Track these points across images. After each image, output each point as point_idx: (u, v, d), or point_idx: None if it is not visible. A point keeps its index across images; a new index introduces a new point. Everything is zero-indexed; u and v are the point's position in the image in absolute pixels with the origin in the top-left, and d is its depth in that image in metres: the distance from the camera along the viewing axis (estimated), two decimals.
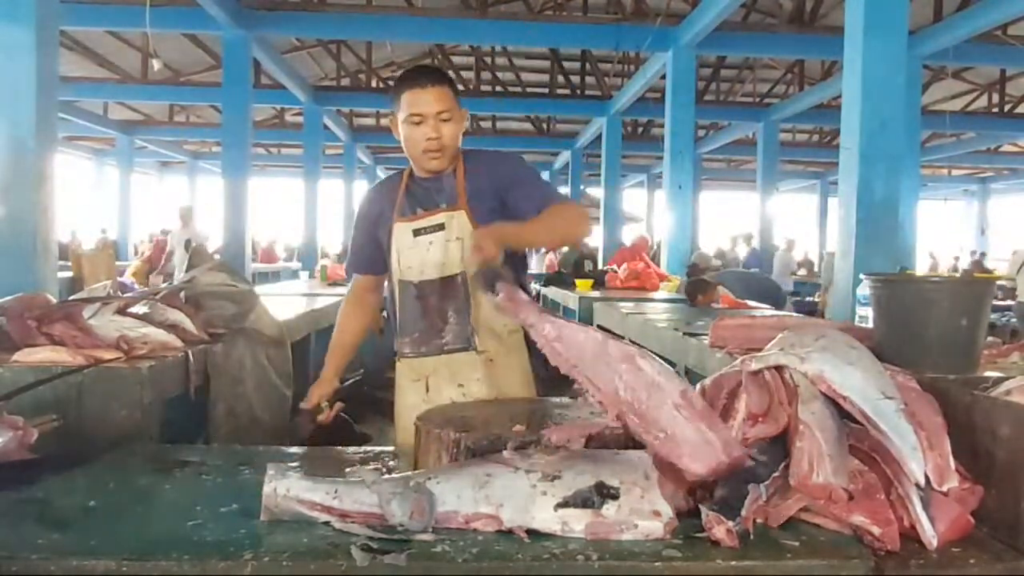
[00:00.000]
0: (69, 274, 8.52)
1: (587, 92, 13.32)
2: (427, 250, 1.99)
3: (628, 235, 13.84)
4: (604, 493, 1.11)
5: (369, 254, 2.13)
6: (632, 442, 1.32)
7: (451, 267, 1.98)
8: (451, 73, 12.91)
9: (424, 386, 1.96)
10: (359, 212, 2.17)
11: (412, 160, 2.02)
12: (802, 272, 15.52)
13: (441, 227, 1.99)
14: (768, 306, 4.87)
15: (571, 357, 1.38)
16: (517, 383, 2.00)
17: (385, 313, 2.29)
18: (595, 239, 12.52)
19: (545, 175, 19.64)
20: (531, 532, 1.10)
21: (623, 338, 4.09)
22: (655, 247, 10.62)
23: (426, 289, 1.99)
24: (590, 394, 1.33)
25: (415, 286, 2.01)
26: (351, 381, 4.88)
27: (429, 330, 1.97)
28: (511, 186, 1.99)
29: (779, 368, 1.32)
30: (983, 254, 18.16)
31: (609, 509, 1.10)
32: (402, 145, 2.00)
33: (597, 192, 15.85)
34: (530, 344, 1.95)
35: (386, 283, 2.15)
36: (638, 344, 3.61)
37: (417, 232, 2.00)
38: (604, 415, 1.34)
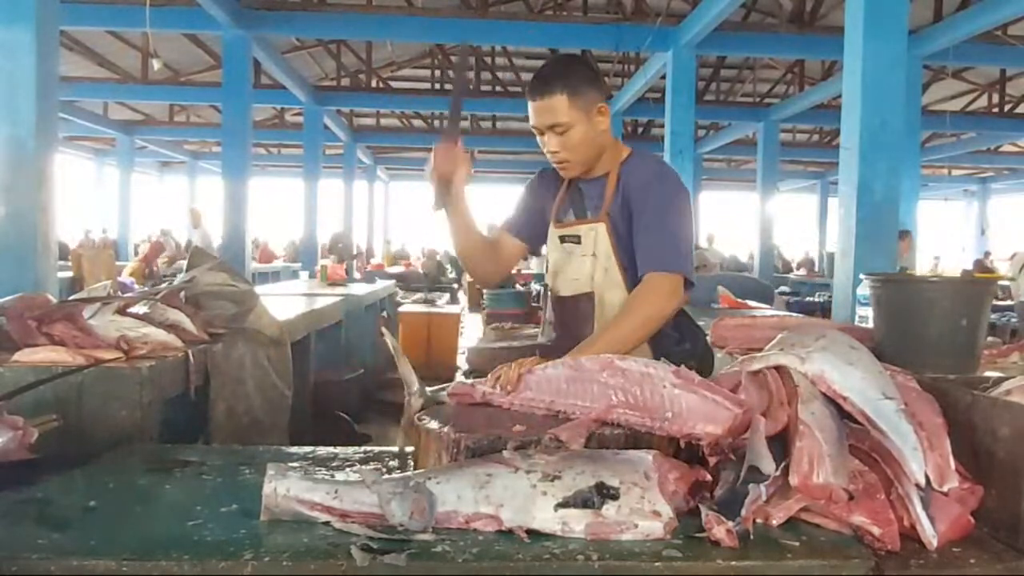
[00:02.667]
0: (69, 274, 8.52)
1: None
2: (568, 260, 1.92)
3: None
4: (604, 493, 1.11)
5: (528, 220, 2.02)
6: (632, 442, 1.32)
7: (583, 284, 1.89)
8: (451, 74, 12.76)
9: None
10: (533, 182, 2.07)
11: None
12: (802, 272, 15.53)
13: (579, 240, 1.89)
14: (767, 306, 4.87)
15: (545, 397, 1.42)
16: None
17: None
18: None
19: None
20: (531, 532, 1.10)
21: None
22: None
23: (560, 304, 1.95)
24: (578, 417, 1.35)
25: (555, 299, 1.97)
26: (351, 380, 4.90)
27: (561, 342, 1.86)
28: (636, 219, 1.81)
29: (779, 368, 1.32)
30: (987, 253, 18.08)
31: (609, 509, 1.10)
32: None
33: None
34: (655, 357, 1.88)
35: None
36: None
37: (563, 239, 1.94)
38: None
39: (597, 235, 1.86)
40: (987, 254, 17.97)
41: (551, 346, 1.92)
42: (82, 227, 16.31)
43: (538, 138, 1.86)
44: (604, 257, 1.86)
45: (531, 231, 2.04)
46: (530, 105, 1.82)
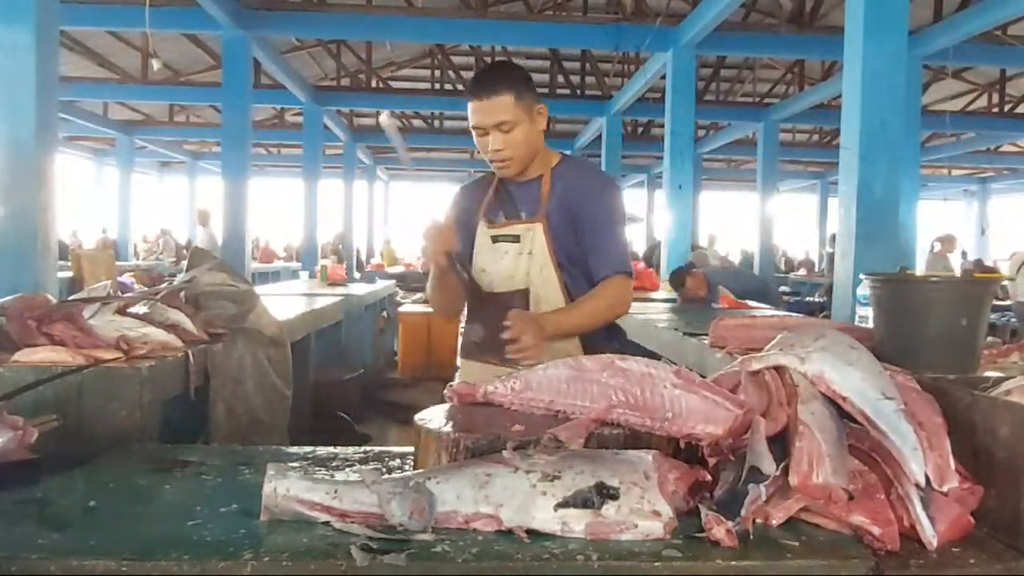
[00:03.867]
0: (69, 274, 8.53)
1: (587, 92, 13.32)
2: (500, 259, 1.98)
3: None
4: (604, 493, 1.11)
5: (465, 244, 2.06)
6: (632, 442, 1.32)
7: (519, 281, 1.96)
8: (451, 74, 12.78)
9: None
10: (456, 202, 2.15)
11: None
12: (802, 272, 15.55)
13: (517, 239, 1.97)
14: (767, 305, 4.87)
15: (545, 396, 1.43)
16: None
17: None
18: None
19: None
20: (531, 532, 1.10)
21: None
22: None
23: (493, 301, 1.97)
24: (578, 417, 1.36)
25: (484, 296, 2.00)
26: (351, 380, 4.90)
27: (491, 339, 1.88)
28: (588, 223, 1.93)
29: (779, 368, 1.32)
30: (964, 253, 17.65)
31: (609, 509, 1.10)
32: None
33: None
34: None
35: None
36: (639, 344, 3.63)
37: (495, 239, 2.01)
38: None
39: (535, 235, 1.95)
40: (964, 254, 17.31)
41: (480, 344, 1.99)
42: (74, 227, 16.28)
43: (477, 139, 1.93)
44: (540, 255, 1.95)
45: (468, 251, 2.06)
46: (474, 105, 1.88)
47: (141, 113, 15.64)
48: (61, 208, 4.09)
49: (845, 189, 4.47)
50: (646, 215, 20.66)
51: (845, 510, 1.14)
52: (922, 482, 1.13)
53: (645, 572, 1.03)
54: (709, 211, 20.09)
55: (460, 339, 2.13)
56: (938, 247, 9.42)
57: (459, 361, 2.13)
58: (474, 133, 1.92)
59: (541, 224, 1.94)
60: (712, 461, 1.26)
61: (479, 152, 1.98)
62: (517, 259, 1.96)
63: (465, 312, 2.12)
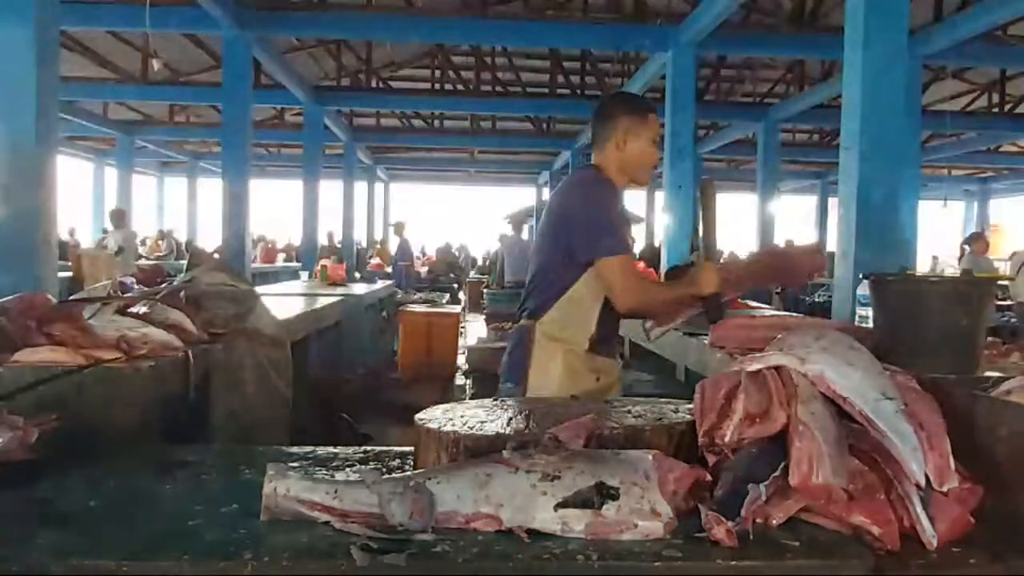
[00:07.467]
0: (69, 274, 8.53)
1: (587, 92, 13.30)
2: None
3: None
4: (604, 493, 1.11)
5: None
6: (632, 442, 1.32)
7: None
8: (451, 74, 12.78)
9: (596, 378, 2.21)
10: (618, 206, 2.26)
11: (629, 173, 2.24)
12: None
13: None
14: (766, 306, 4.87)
15: None
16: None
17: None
18: None
19: (545, 175, 19.64)
20: (531, 532, 1.10)
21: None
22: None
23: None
24: None
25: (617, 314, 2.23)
26: (351, 380, 4.91)
27: (613, 339, 2.30)
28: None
29: (779, 368, 1.32)
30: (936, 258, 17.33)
31: (609, 509, 1.10)
32: (627, 156, 2.21)
33: None
34: None
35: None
36: (642, 345, 3.62)
37: None
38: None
39: None
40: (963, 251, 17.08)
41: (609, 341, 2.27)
42: (72, 226, 16.30)
43: (648, 148, 2.22)
44: None
45: None
46: (655, 121, 2.23)
47: (141, 113, 15.62)
48: (61, 208, 4.08)
49: (845, 189, 4.46)
50: (646, 215, 20.67)
51: (845, 510, 1.14)
52: (922, 482, 1.13)
53: (645, 572, 1.03)
54: None
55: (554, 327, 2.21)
56: (968, 249, 9.36)
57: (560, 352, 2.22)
58: (648, 143, 2.21)
59: None
60: (712, 461, 1.26)
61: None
62: None
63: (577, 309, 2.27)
